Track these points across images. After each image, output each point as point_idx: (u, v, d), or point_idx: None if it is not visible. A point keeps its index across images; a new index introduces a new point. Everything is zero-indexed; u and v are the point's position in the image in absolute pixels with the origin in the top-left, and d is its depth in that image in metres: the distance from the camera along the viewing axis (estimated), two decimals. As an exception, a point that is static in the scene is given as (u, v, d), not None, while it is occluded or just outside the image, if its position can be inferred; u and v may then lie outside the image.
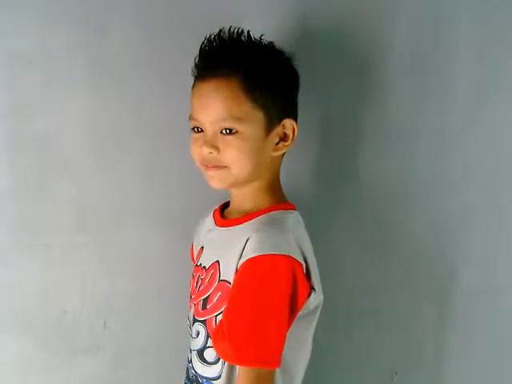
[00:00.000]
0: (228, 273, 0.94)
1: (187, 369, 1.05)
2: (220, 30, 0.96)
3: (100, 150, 1.17)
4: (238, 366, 0.92)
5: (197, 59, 0.98)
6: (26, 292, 1.19)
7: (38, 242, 1.18)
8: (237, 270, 0.91)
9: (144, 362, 1.23)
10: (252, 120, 0.93)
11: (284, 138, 0.99)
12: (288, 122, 0.98)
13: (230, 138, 0.93)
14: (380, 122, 1.20)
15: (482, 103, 1.20)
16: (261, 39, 0.99)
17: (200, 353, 0.98)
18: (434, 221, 1.23)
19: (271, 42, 1.00)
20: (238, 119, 0.92)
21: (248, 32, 0.97)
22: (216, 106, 0.92)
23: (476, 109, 1.20)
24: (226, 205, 1.07)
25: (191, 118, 0.97)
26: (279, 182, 1.03)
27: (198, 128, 0.97)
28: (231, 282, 0.93)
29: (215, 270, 0.97)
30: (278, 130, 0.97)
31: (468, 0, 1.17)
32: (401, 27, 1.17)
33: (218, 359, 0.95)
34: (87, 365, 1.21)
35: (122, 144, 1.18)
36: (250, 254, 0.89)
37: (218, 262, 0.97)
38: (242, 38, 0.96)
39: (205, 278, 0.99)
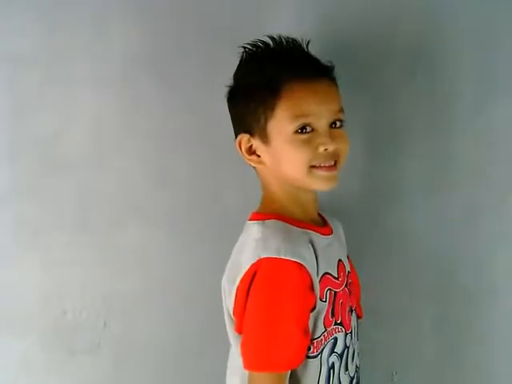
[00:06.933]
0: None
1: (354, 377, 1.02)
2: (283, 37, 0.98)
3: (100, 149, 1.17)
4: None
5: (294, 61, 0.95)
6: (25, 292, 1.19)
7: (38, 241, 1.18)
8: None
9: (144, 362, 1.23)
10: None
11: None
12: None
13: (341, 130, 0.97)
14: (380, 122, 1.20)
15: (482, 102, 1.20)
16: None
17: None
18: (434, 221, 1.23)
19: None
20: (343, 112, 0.97)
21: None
22: (334, 99, 0.96)
23: (476, 108, 1.20)
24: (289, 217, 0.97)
25: (303, 115, 0.92)
26: None
27: (307, 128, 0.92)
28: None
29: (351, 265, 1.08)
30: None
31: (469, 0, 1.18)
32: (402, 28, 1.17)
33: None
34: (87, 365, 1.21)
35: (122, 144, 1.18)
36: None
37: (347, 256, 1.08)
38: None
39: (354, 278, 1.08)
